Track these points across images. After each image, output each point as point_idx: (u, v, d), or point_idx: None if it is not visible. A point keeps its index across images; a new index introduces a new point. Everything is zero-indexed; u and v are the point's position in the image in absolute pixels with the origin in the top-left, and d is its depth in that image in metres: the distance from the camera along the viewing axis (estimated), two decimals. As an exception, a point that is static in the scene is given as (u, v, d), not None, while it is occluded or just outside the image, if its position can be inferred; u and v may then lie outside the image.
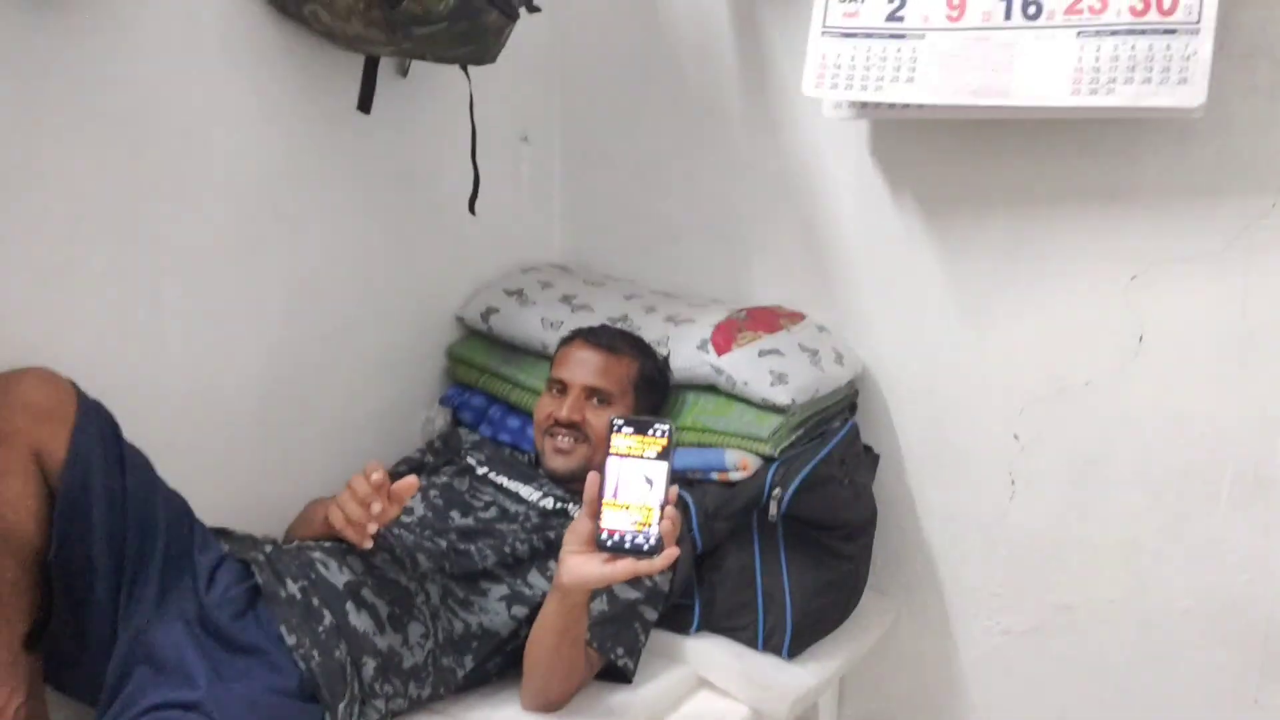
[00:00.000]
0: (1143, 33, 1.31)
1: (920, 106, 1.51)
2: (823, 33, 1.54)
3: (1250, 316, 1.48)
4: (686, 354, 1.66)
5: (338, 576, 1.31)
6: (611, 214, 2.06)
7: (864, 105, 1.59)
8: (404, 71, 1.71)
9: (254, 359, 1.57)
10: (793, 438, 1.60)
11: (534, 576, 1.45)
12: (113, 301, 1.37)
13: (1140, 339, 1.56)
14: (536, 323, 1.79)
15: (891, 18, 1.49)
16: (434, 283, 1.86)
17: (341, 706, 1.21)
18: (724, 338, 1.66)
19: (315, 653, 1.23)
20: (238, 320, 1.53)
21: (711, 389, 1.66)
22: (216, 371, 1.52)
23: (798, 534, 1.59)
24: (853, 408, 1.79)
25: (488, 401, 1.82)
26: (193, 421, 1.49)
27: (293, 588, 1.28)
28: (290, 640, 1.23)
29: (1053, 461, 1.66)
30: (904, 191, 1.72)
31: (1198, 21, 1.27)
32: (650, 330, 1.73)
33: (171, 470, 1.33)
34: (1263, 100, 1.43)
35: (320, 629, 1.25)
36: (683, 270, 1.97)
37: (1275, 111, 1.42)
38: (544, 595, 1.38)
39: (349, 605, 1.29)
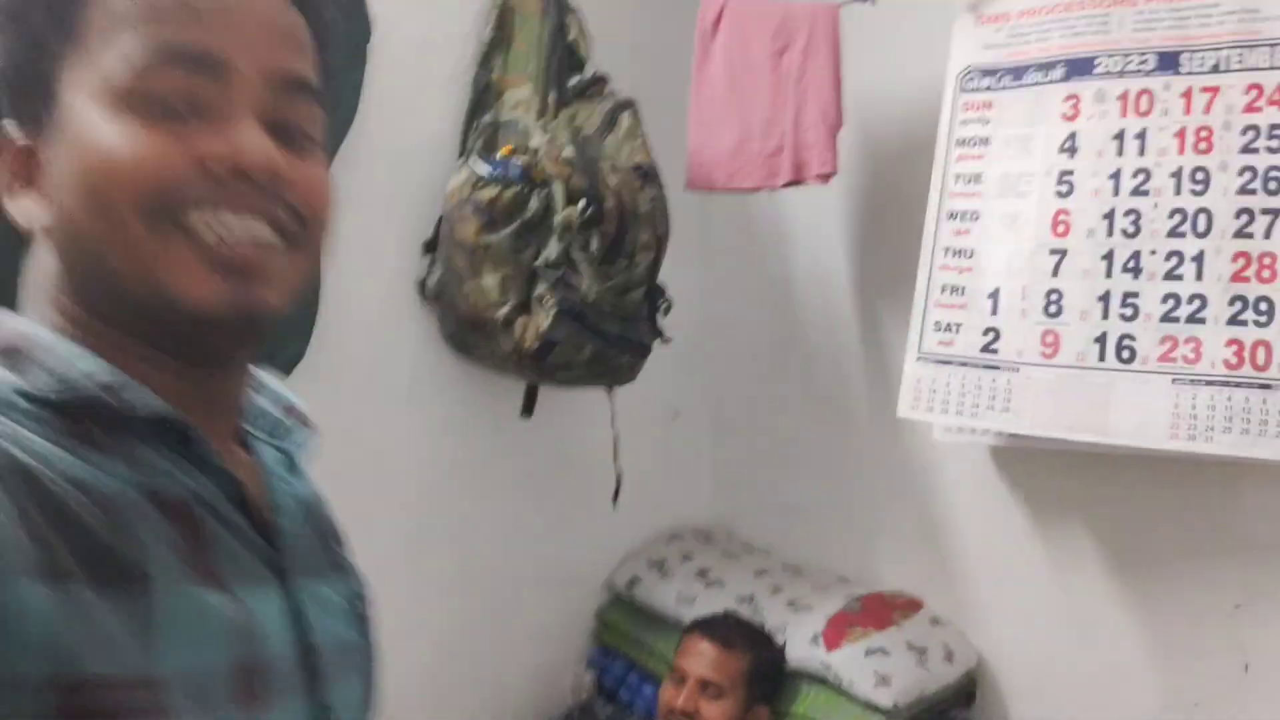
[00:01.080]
0: (1239, 385, 1.33)
1: (1019, 436, 1.59)
2: (918, 358, 1.67)
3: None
4: (800, 646, 1.81)
5: None
6: (754, 485, 2.25)
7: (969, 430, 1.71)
8: (566, 380, 2.00)
9: (423, 642, 1.84)
10: (897, 736, 1.70)
11: None
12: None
13: (1246, 668, 1.57)
14: (672, 597, 1.99)
15: (985, 349, 1.57)
16: (587, 551, 2.10)
17: None
18: (835, 632, 1.79)
19: None
20: (409, 611, 1.81)
21: (823, 681, 1.79)
22: (393, 644, 1.79)
23: (900, 831, 1.67)
24: (970, 697, 1.86)
25: (627, 667, 2.02)
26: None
27: None
28: None
29: (1166, 778, 1.67)
30: (1018, 496, 1.82)
31: (1293, 377, 1.29)
32: (771, 616, 1.88)
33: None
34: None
35: None
36: (816, 544, 2.12)
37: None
38: None
39: None
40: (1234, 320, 1.32)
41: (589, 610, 2.13)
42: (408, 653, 1.84)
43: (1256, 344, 1.33)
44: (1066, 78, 1.51)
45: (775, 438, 2.20)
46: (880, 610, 1.86)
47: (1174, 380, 1.39)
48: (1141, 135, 1.40)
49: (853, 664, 1.74)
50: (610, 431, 1.93)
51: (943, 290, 1.63)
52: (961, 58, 1.65)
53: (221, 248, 0.55)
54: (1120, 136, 1.42)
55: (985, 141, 1.60)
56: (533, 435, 1.97)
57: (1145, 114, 1.40)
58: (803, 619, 1.86)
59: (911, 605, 1.90)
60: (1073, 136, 1.47)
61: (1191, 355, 1.38)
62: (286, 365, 1.58)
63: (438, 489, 1.86)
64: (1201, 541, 1.61)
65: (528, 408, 1.91)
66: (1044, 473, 1.77)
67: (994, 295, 1.53)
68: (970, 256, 1.57)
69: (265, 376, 0.71)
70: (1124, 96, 1.43)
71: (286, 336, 1.57)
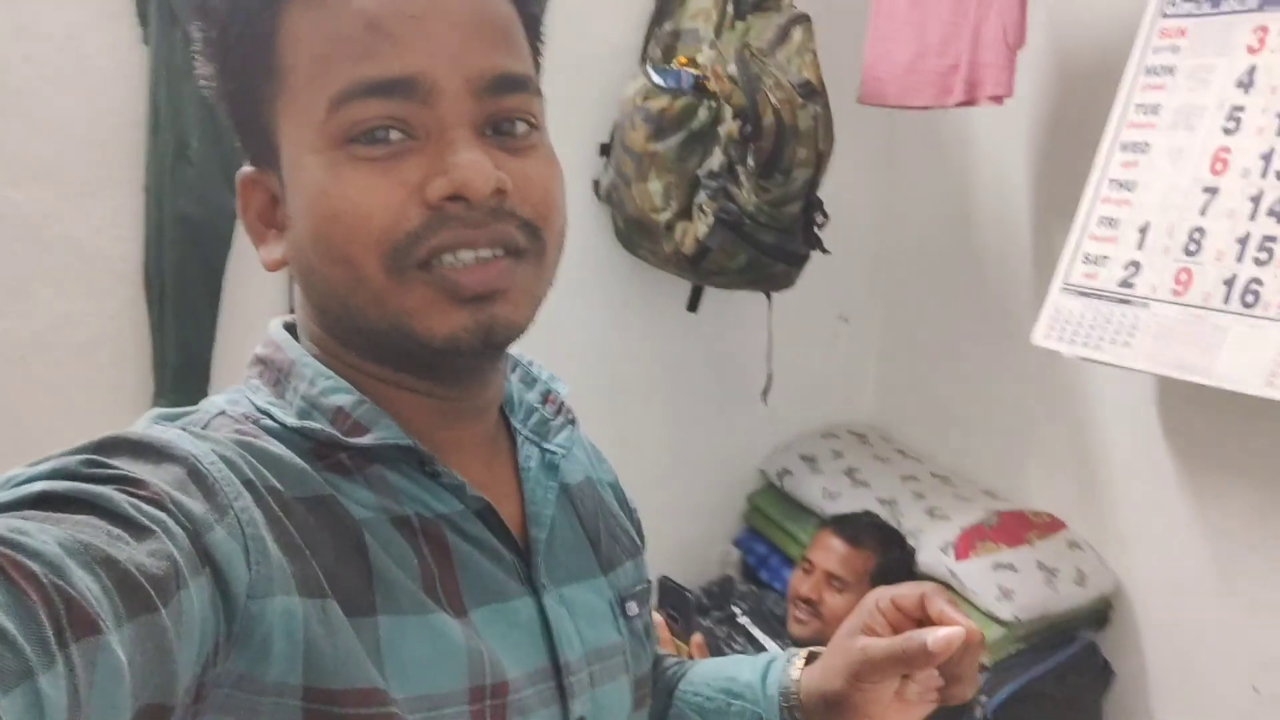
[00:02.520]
0: None
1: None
2: (1062, 288, 1.65)
3: None
4: (930, 553, 1.89)
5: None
6: (917, 393, 2.30)
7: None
8: (732, 280, 2.10)
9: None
10: (1015, 649, 1.77)
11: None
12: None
13: (1386, 632, 1.54)
14: (818, 491, 2.11)
15: (1124, 284, 1.55)
16: (744, 439, 2.24)
17: None
18: (965, 544, 1.86)
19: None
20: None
21: (949, 588, 1.87)
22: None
23: (1008, 737, 1.76)
24: (1102, 621, 1.90)
25: (770, 550, 2.16)
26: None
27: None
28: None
29: (1290, 724, 1.67)
30: (1174, 432, 1.80)
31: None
32: (909, 520, 1.97)
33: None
34: None
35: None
36: (968, 455, 2.17)
37: None
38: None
39: None
40: None
41: (741, 494, 2.28)
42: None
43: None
44: (1260, 6, 1.43)
45: (941, 348, 2.24)
46: (1017, 527, 1.91)
47: None
48: (1322, 76, 1.32)
49: (978, 575, 1.81)
50: (779, 320, 2.04)
51: (1099, 222, 1.61)
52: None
53: (460, 281, 0.53)
54: (1300, 75, 1.35)
55: (1170, 71, 1.54)
56: (697, 330, 2.10)
57: (1331, 53, 1.32)
58: (938, 527, 1.93)
59: (1052, 526, 1.93)
60: (1251, 70, 1.40)
61: None
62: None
63: (605, 367, 2.04)
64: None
65: (693, 304, 2.04)
66: (1202, 413, 1.74)
67: (1144, 230, 1.51)
68: (1131, 189, 1.54)
69: (537, 368, 0.70)
70: (1314, 32, 1.35)
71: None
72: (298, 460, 0.53)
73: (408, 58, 0.52)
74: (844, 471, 2.14)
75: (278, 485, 0.52)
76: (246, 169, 0.58)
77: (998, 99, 1.72)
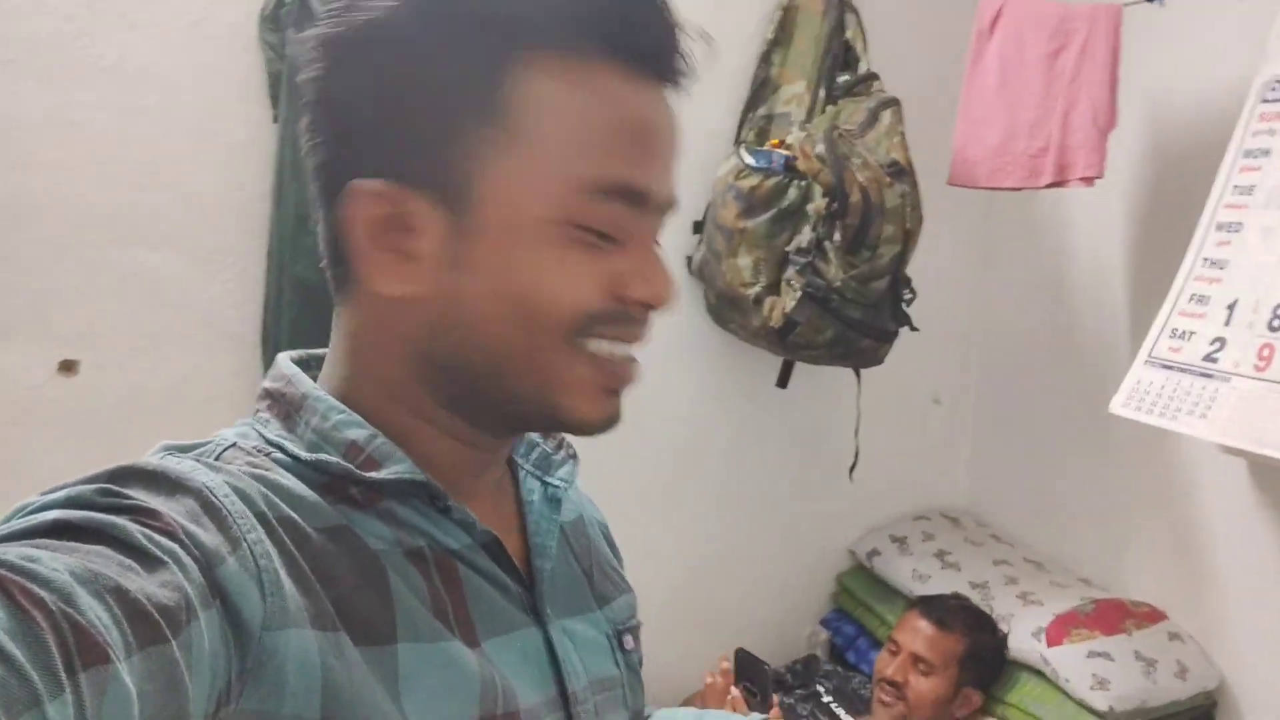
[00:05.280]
0: None
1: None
2: (1146, 361, 1.62)
3: None
4: (1021, 638, 1.84)
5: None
6: (1010, 476, 2.27)
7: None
8: (822, 356, 2.13)
9: (676, 568, 2.07)
10: (1109, 741, 1.71)
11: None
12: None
13: None
14: (908, 573, 2.08)
15: (1207, 358, 1.52)
16: (833, 520, 2.24)
17: None
18: (1058, 630, 1.81)
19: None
20: (663, 548, 2.05)
21: (1041, 675, 1.82)
22: (644, 574, 2.04)
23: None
24: (1209, 718, 1.81)
25: (858, 631, 2.14)
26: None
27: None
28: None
29: None
30: (1275, 509, 1.73)
31: None
32: (1001, 605, 1.93)
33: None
34: None
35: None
36: (1064, 541, 2.12)
37: None
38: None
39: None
40: None
41: (831, 574, 2.26)
42: (659, 583, 2.08)
43: None
44: (1353, 88, 1.42)
45: (1036, 432, 2.21)
46: (1114, 615, 1.85)
47: None
48: None
49: (1072, 663, 1.76)
50: (869, 402, 2.05)
51: (1190, 299, 1.59)
52: (1273, 67, 1.58)
53: (618, 374, 0.58)
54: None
55: (1267, 153, 1.54)
56: (787, 406, 2.12)
57: None
58: (1031, 612, 1.89)
59: (1152, 616, 1.87)
60: (1345, 151, 1.39)
61: None
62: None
63: (697, 443, 2.07)
64: None
65: (783, 380, 2.06)
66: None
67: (1232, 306, 1.50)
68: (1223, 268, 1.53)
69: None
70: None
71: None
72: (310, 493, 0.54)
73: (653, 173, 0.56)
74: (934, 554, 2.11)
75: (293, 516, 0.52)
76: (372, 182, 0.54)
77: (1088, 180, 1.74)
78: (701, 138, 1.95)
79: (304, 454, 0.55)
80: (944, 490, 2.35)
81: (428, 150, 0.53)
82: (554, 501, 0.67)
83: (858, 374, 1.98)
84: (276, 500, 0.52)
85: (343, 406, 0.57)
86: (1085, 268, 2.10)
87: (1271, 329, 1.43)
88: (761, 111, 1.93)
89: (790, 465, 2.17)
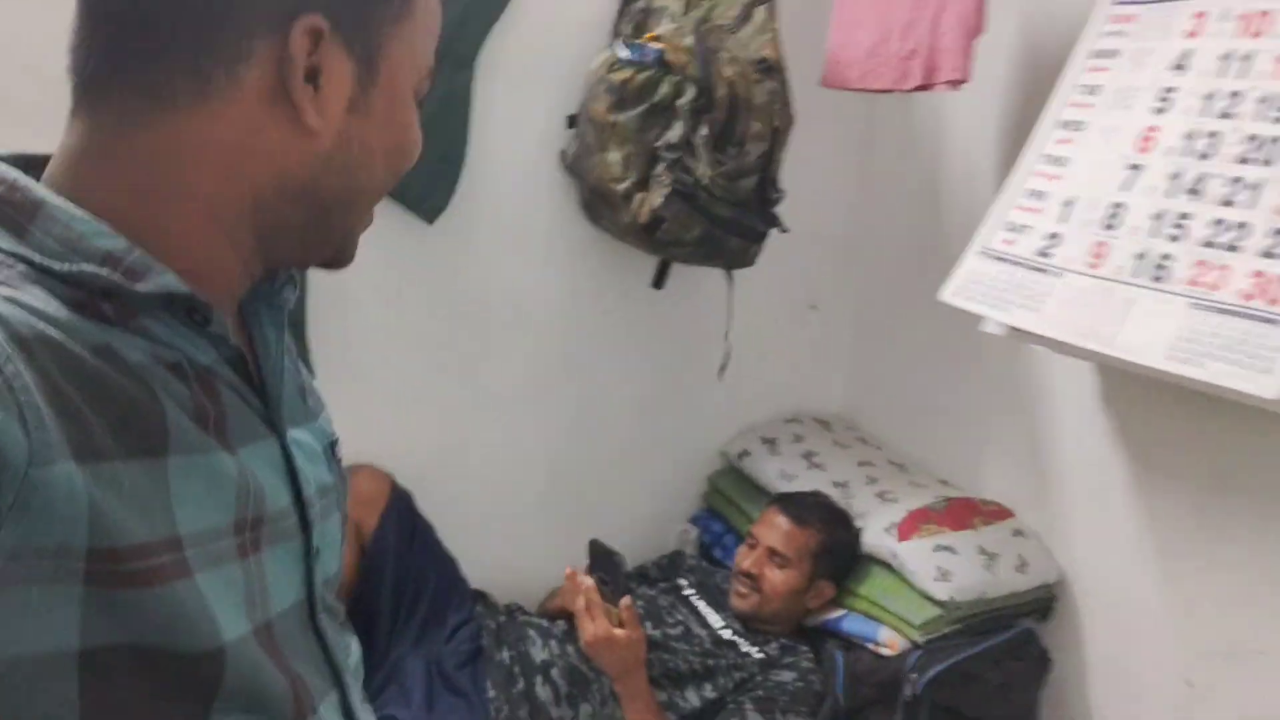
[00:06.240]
0: (1246, 316, 1.27)
1: (1035, 335, 1.54)
2: (980, 252, 1.65)
3: None
4: (874, 533, 1.90)
5: (538, 653, 1.77)
6: (883, 382, 2.32)
7: (1014, 329, 1.65)
8: (699, 259, 2.13)
9: (541, 472, 2.09)
10: (949, 629, 1.78)
11: (689, 693, 1.79)
12: (440, 419, 1.97)
13: (1313, 624, 1.53)
14: (775, 472, 2.13)
15: (1041, 253, 1.55)
16: (706, 422, 2.27)
17: None
18: (909, 526, 1.87)
19: (506, 707, 1.70)
20: (529, 443, 2.06)
21: (890, 568, 1.88)
22: (511, 474, 2.06)
23: (940, 718, 1.77)
24: (1046, 611, 1.90)
25: (725, 529, 2.18)
26: (487, 509, 2.05)
27: (505, 654, 1.77)
28: (491, 694, 1.72)
29: (1221, 719, 1.66)
30: (1122, 424, 1.80)
31: (1296, 315, 1.23)
32: (859, 503, 1.99)
33: (465, 544, 1.89)
34: None
35: (515, 690, 1.72)
36: (929, 446, 2.18)
37: None
38: (693, 711, 1.74)
39: (538, 678, 1.74)
40: (1268, 253, 1.26)
41: (703, 474, 2.30)
42: (531, 482, 2.10)
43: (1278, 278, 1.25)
44: (1201, -8, 1.45)
45: (910, 338, 2.25)
46: (963, 513, 1.92)
47: (1192, 305, 1.34)
48: (1248, 58, 1.33)
49: (918, 556, 1.82)
50: (746, 302, 2.07)
51: (1026, 194, 1.61)
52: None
53: None
54: (1228, 57, 1.35)
55: (1115, 54, 1.57)
56: (663, 308, 2.13)
57: (1258, 35, 1.33)
58: (886, 509, 1.95)
59: (999, 514, 1.94)
60: (1186, 54, 1.42)
61: (1216, 281, 1.32)
62: (430, 214, 1.81)
63: (571, 342, 2.08)
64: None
65: (659, 281, 2.07)
66: (1149, 404, 1.74)
67: (1069, 203, 1.52)
68: (1063, 165, 1.56)
69: None
70: (1245, 16, 1.36)
71: (432, 188, 1.80)
72: (65, 310, 0.51)
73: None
74: (802, 455, 2.16)
75: (54, 337, 0.49)
76: (319, 20, 0.57)
77: (954, 84, 1.75)
78: (577, 30, 1.92)
79: (57, 266, 0.52)
80: (819, 395, 2.39)
81: (358, 18, 0.60)
82: (278, 324, 0.69)
83: (729, 275, 2.00)
84: (33, 320, 0.49)
85: (88, 215, 0.54)
86: (959, 172, 2.12)
87: (1106, 227, 1.46)
88: (639, 4, 1.89)
89: (666, 367, 2.19)
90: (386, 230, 1.80)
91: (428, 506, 1.91)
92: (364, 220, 0.66)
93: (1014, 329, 1.64)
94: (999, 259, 1.61)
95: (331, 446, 0.73)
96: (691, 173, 1.76)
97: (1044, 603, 1.90)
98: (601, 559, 1.65)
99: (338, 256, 0.67)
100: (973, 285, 1.62)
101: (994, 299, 1.58)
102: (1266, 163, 1.27)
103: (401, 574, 1.79)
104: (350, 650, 0.73)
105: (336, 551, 0.72)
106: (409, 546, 1.81)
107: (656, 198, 1.77)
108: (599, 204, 1.89)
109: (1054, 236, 1.53)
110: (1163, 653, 1.74)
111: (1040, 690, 1.87)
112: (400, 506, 1.82)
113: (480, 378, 2.00)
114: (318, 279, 1.79)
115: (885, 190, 2.31)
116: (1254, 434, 1.59)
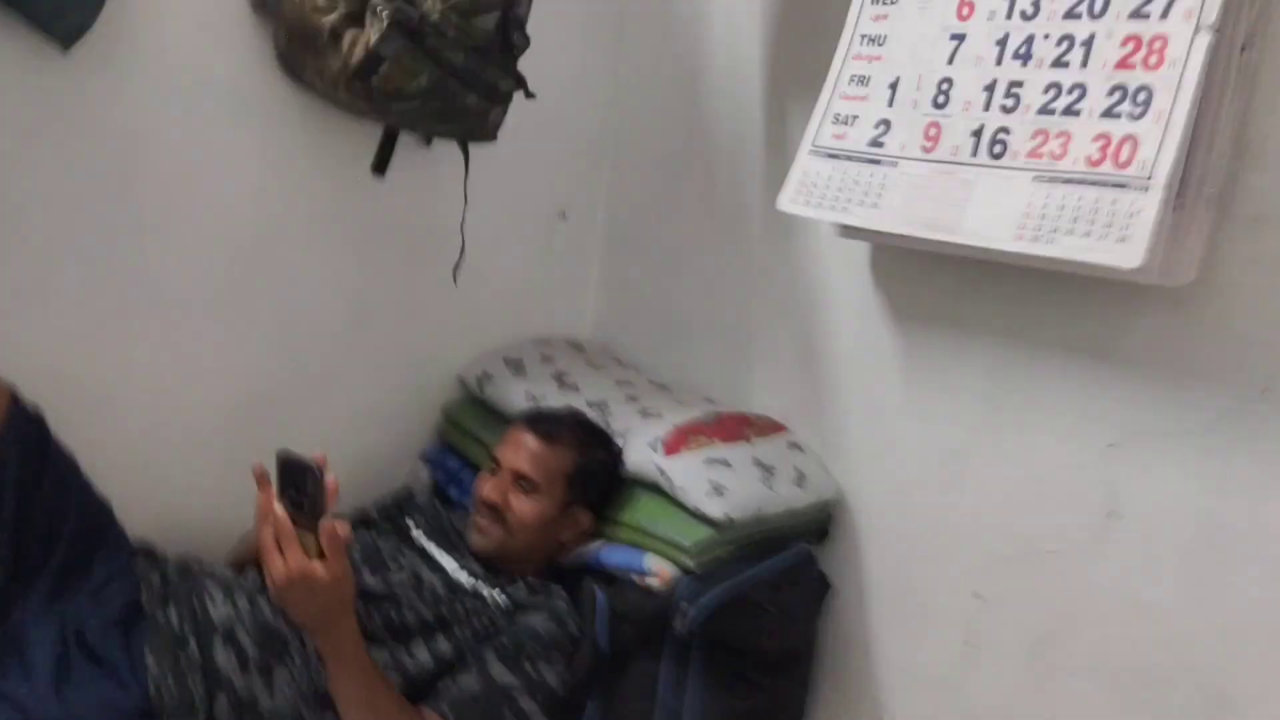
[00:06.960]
0: (1094, 184, 1.20)
1: (885, 233, 1.44)
2: (810, 151, 1.51)
3: (1228, 509, 1.30)
4: (638, 450, 1.64)
5: (218, 610, 1.37)
6: (640, 299, 2.07)
7: (848, 227, 1.53)
8: (428, 141, 1.79)
9: (229, 392, 1.68)
10: (723, 552, 1.54)
11: (418, 648, 1.45)
12: (81, 322, 1.51)
13: (1109, 514, 1.40)
14: (522, 394, 1.82)
15: (873, 143, 1.43)
16: (439, 342, 1.93)
17: None
18: (678, 439, 1.63)
19: (170, 679, 1.29)
20: (214, 355, 1.65)
21: (659, 490, 1.62)
22: (186, 399, 1.63)
23: (714, 655, 1.52)
24: (823, 533, 1.71)
25: (462, 465, 1.85)
26: (153, 441, 1.61)
27: (171, 614, 1.36)
28: (149, 662, 1.30)
29: (1012, 631, 1.51)
30: (900, 320, 1.63)
31: (1149, 178, 1.15)
32: (619, 421, 1.72)
33: (123, 484, 1.45)
34: (1265, 273, 1.27)
35: (182, 657, 1.31)
36: (691, 365, 1.95)
37: (1277, 285, 1.26)
38: (424, 669, 1.40)
39: (217, 640, 1.34)
40: (1108, 113, 1.19)
41: (435, 403, 1.96)
42: (219, 406, 1.68)
43: (1124, 139, 1.18)
44: None
45: (667, 249, 2.01)
46: (735, 426, 1.69)
47: (1035, 178, 1.27)
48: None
49: (688, 471, 1.57)
50: (487, 199, 1.76)
51: (850, 80, 1.48)
52: None
53: None
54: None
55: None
56: (386, 200, 1.78)
57: None
58: (650, 424, 1.69)
59: (773, 428, 1.73)
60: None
61: (1059, 151, 1.25)
62: (66, 37, 1.38)
63: (268, 237, 1.67)
64: (1084, 372, 1.43)
65: (380, 164, 1.71)
66: (930, 294, 1.58)
67: (894, 85, 1.40)
68: (882, 44, 1.43)
69: None
70: None
71: (66, 2, 1.36)
72: None
73: None
74: (552, 375, 1.87)
75: None
76: None
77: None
78: None
79: None
80: (569, 312, 2.11)
81: None
82: None
83: (465, 149, 1.68)
84: None
85: None
86: (721, 62, 1.91)
87: (937, 105, 1.35)
88: None
89: (389, 274, 1.83)
90: (3, 57, 1.35)
91: (69, 434, 1.45)
92: None
93: (848, 228, 1.50)
94: (831, 155, 1.48)
95: None
96: (417, 5, 1.43)
97: (821, 523, 1.70)
98: (293, 472, 1.28)
99: None
100: (810, 189, 1.48)
101: (831, 200, 1.44)
102: (1096, 15, 1.19)
103: (25, 516, 1.34)
104: None
105: None
106: (37, 482, 1.35)
107: (373, 33, 1.43)
108: (299, 49, 1.52)
109: (884, 124, 1.42)
110: (949, 567, 1.58)
111: (820, 618, 1.67)
112: (24, 428, 1.36)
113: (143, 270, 1.56)
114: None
115: (642, 89, 2.06)
116: (1045, 305, 1.46)
